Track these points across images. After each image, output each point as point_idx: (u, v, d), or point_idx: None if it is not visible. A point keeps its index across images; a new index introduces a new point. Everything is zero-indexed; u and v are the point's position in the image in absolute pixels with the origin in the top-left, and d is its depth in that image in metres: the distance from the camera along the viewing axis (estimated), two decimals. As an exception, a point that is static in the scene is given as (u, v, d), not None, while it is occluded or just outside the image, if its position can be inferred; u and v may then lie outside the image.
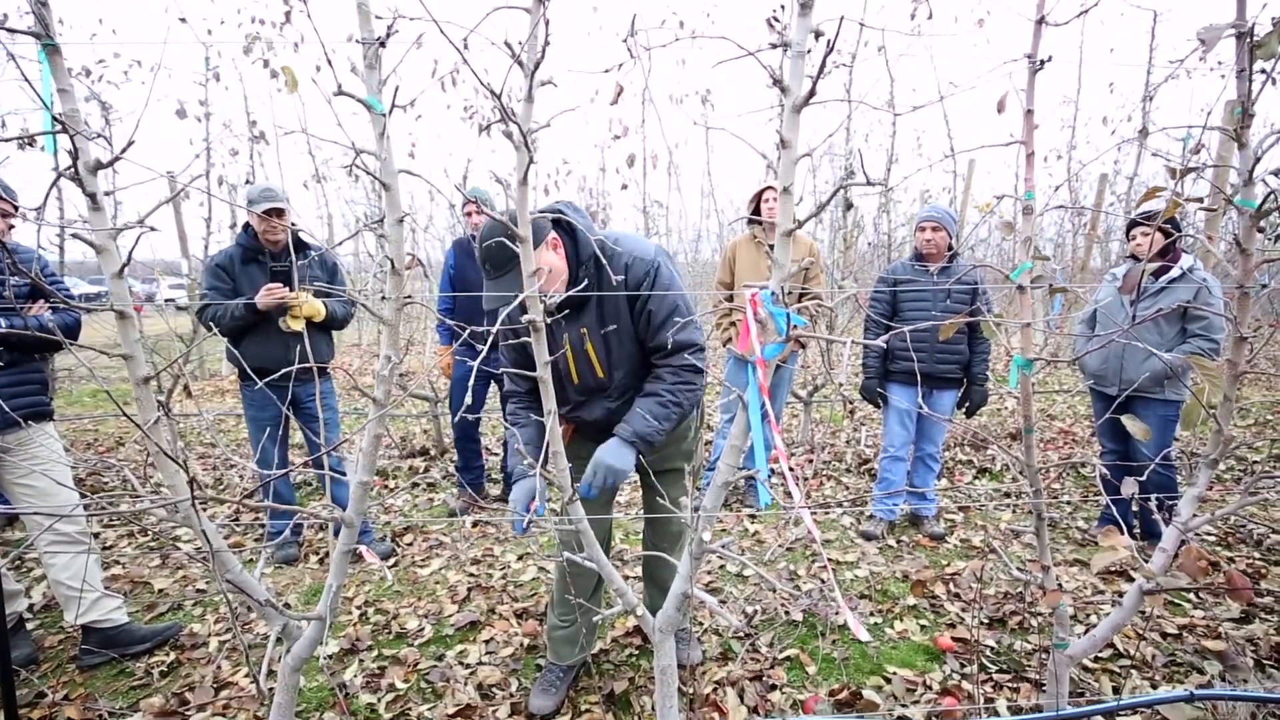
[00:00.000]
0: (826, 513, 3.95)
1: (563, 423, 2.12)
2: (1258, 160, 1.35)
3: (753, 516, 3.89)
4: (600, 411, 2.04)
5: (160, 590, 3.08)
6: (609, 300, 1.91)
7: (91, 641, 2.48)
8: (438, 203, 8.21)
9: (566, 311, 1.90)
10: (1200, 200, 1.64)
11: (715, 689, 2.31)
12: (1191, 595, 2.86)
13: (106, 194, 1.35)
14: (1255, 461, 4.73)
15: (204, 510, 1.34)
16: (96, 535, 3.58)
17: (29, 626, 2.65)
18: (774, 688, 2.33)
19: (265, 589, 1.49)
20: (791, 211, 1.30)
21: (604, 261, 1.74)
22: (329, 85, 1.34)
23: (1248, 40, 1.25)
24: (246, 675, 2.41)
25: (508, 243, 1.67)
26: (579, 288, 1.78)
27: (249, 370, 2.00)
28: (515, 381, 2.09)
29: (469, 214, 3.73)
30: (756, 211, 3.80)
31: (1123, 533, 1.45)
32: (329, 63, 1.40)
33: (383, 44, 1.36)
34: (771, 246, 1.32)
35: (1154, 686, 2.28)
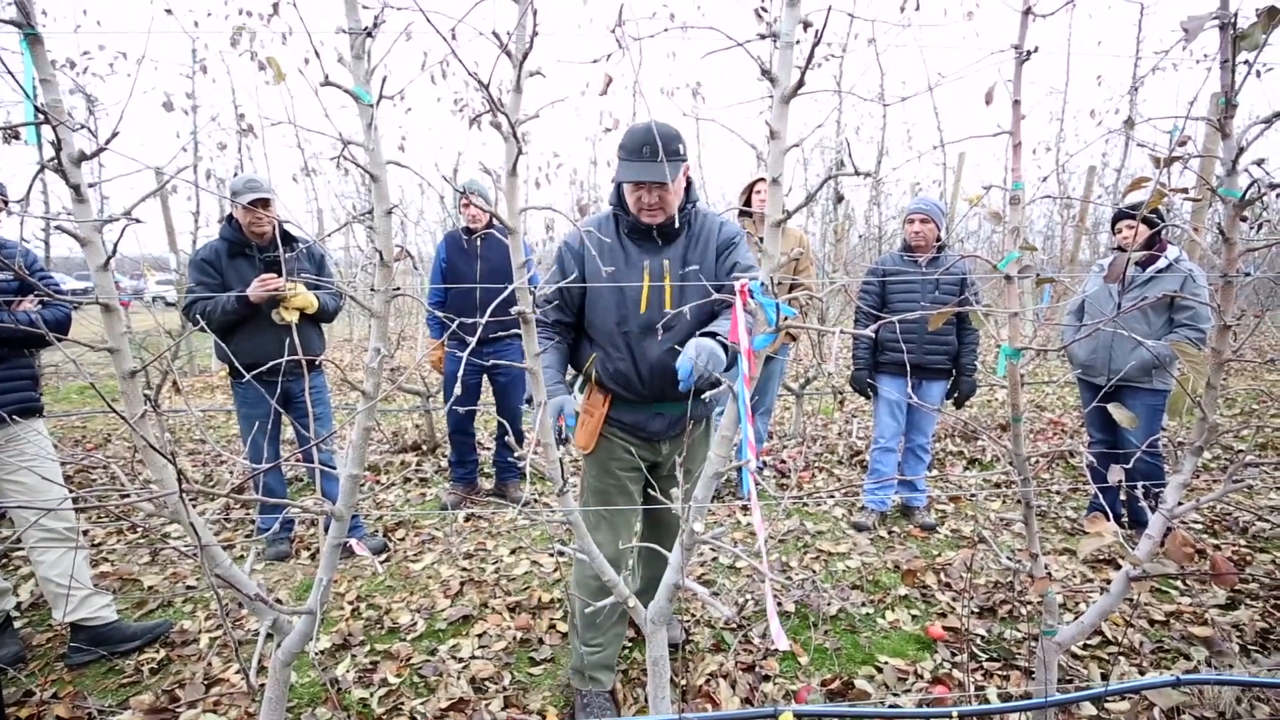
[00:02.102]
0: (819, 504, 3.97)
1: (600, 391, 2.08)
2: (1241, 151, 1.36)
3: (745, 508, 3.90)
4: (654, 354, 1.99)
5: (150, 587, 3.06)
6: (698, 242, 2.02)
7: (80, 639, 2.47)
8: (428, 196, 8.18)
9: (658, 239, 2.00)
10: (1185, 191, 1.66)
11: (708, 680, 2.32)
12: (1178, 582, 2.90)
13: (90, 186, 1.33)
14: (1241, 450, 4.78)
15: (193, 506, 1.33)
16: (85, 532, 3.55)
17: (17, 625, 2.63)
18: (766, 678, 2.34)
19: (255, 584, 1.48)
20: (781, 202, 1.30)
21: (704, 211, 1.98)
22: (317, 77, 1.33)
23: (1231, 31, 1.26)
24: (237, 671, 2.40)
25: (673, 142, 1.84)
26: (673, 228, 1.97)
27: (239, 366, 1.99)
28: (547, 311, 2.06)
29: (465, 205, 3.71)
30: (748, 204, 3.80)
31: (1109, 520, 1.46)
32: (316, 54, 1.39)
33: (370, 34, 1.34)
34: (761, 239, 1.32)
35: (1141, 672, 2.31)
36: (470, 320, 1.37)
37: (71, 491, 1.83)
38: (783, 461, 4.64)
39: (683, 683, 2.31)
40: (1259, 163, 1.39)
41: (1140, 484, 2.14)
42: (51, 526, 2.41)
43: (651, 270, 1.98)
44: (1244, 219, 1.44)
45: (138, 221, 1.34)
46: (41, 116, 1.22)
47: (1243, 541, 3.32)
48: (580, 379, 2.11)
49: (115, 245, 1.34)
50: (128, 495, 1.32)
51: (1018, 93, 1.56)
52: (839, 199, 6.68)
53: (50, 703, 2.24)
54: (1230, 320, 1.45)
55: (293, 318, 2.94)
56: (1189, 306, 3.00)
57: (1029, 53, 1.51)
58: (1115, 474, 1.57)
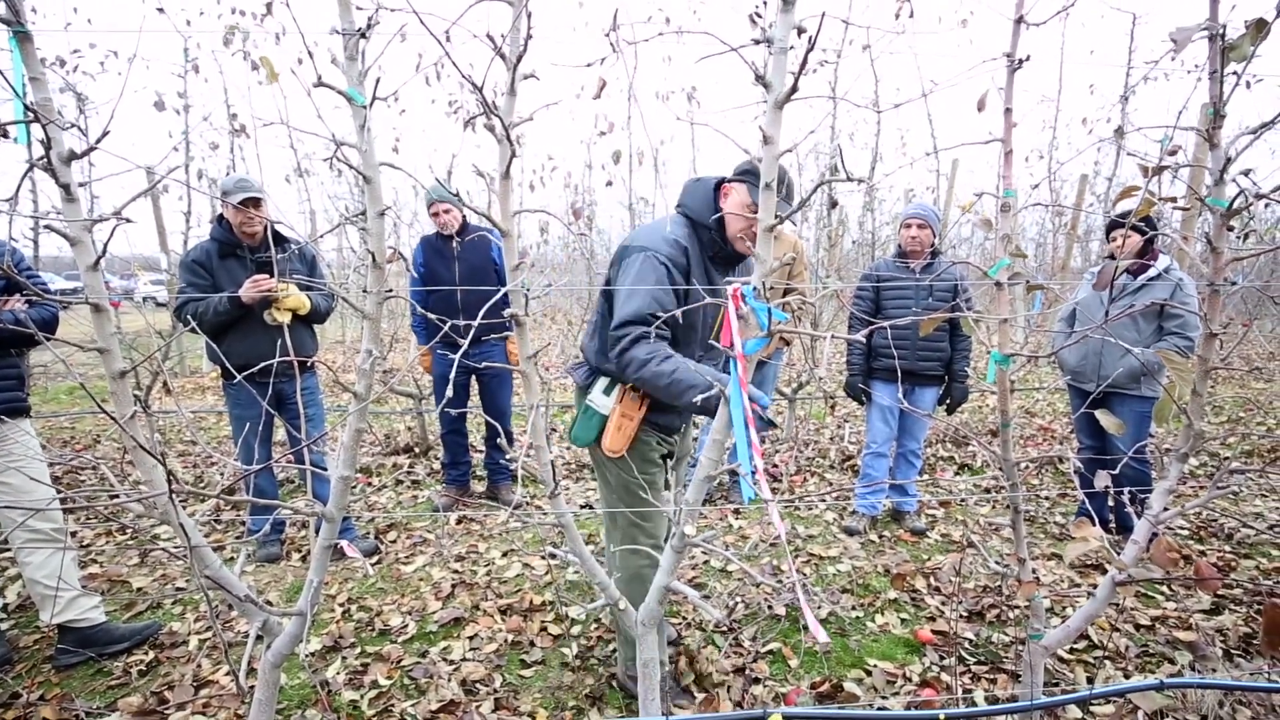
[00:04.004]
0: (810, 508, 3.98)
1: (636, 394, 2.03)
2: (1229, 161, 1.37)
3: (737, 511, 3.91)
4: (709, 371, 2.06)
5: (139, 588, 3.04)
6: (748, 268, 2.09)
7: (68, 641, 2.45)
8: (422, 198, 8.16)
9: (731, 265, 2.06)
10: (1174, 200, 1.67)
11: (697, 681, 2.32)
12: (1164, 587, 2.92)
13: (81, 185, 1.33)
14: (1227, 457, 4.83)
15: (184, 507, 1.33)
16: (74, 533, 3.52)
17: (3, 626, 2.61)
18: (756, 681, 2.35)
19: (245, 586, 1.47)
20: (773, 207, 1.31)
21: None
22: (310, 77, 1.33)
23: (1220, 42, 1.28)
24: (227, 673, 2.39)
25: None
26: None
27: (231, 368, 1.98)
28: (651, 330, 1.86)
29: (435, 214, 3.69)
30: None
31: (1095, 525, 1.47)
32: (310, 55, 1.39)
33: (364, 35, 1.35)
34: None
35: (1127, 676, 2.33)
36: (463, 323, 1.38)
37: (60, 492, 1.82)
38: (775, 465, 4.65)
39: (690, 679, 2.31)
40: (1246, 173, 1.41)
41: (1127, 489, 2.16)
42: (38, 527, 2.39)
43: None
44: (1230, 228, 1.46)
45: (128, 221, 1.33)
46: (31, 115, 1.22)
47: (1227, 547, 3.35)
48: (609, 383, 2.05)
49: (105, 245, 1.34)
50: (117, 496, 1.32)
51: (1009, 101, 1.57)
52: (833, 204, 6.71)
53: (37, 705, 2.22)
54: (1217, 329, 1.47)
55: (285, 318, 2.93)
56: (1178, 315, 3.02)
57: (1021, 61, 1.53)
58: (1102, 479, 1.58)
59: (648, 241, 1.93)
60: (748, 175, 1.92)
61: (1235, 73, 1.34)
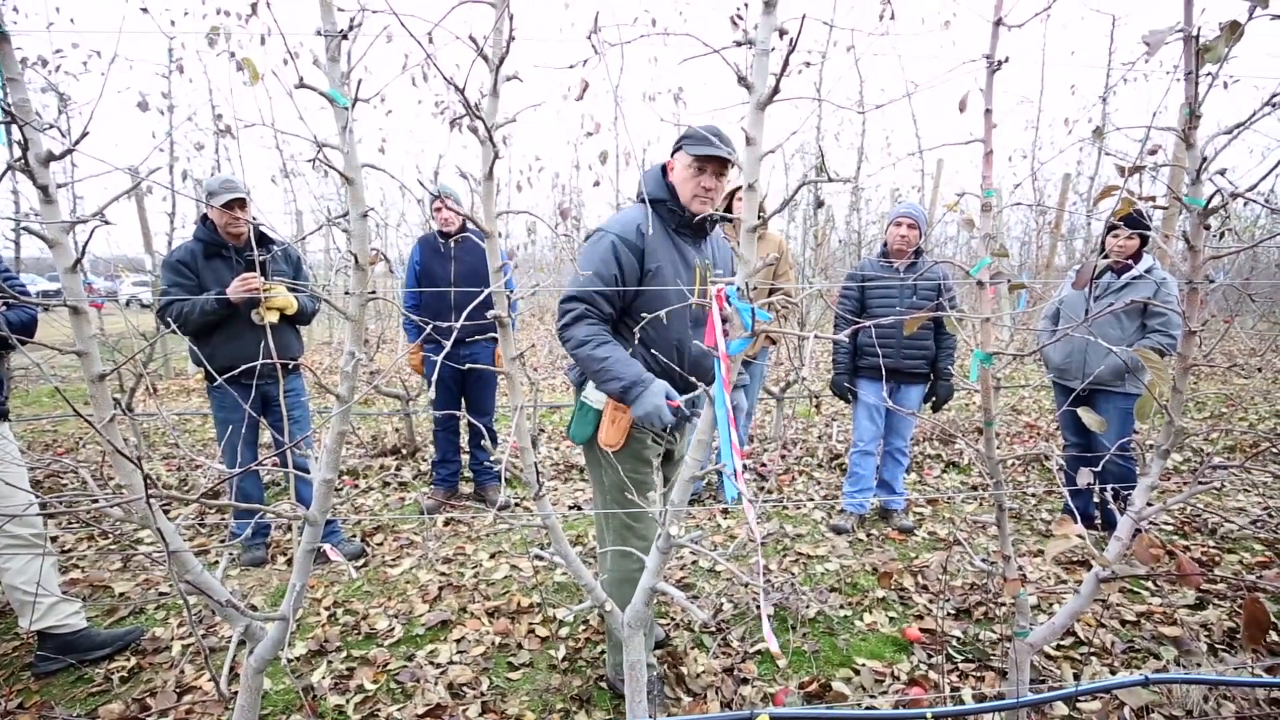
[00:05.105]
0: (798, 507, 3.99)
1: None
2: (1206, 160, 1.39)
3: (725, 511, 3.92)
4: (695, 350, 2.07)
5: (121, 594, 3.00)
6: (716, 243, 2.18)
7: (48, 648, 2.42)
8: (410, 199, 8.13)
9: (696, 235, 2.09)
10: (1153, 199, 1.69)
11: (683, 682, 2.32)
12: (1149, 583, 2.95)
13: (61, 186, 1.31)
14: (1210, 453, 4.89)
15: (166, 512, 1.31)
16: (54, 538, 3.47)
17: (-18, 633, 2.57)
18: (745, 681, 2.35)
19: (228, 590, 1.46)
20: (756, 208, 1.31)
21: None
22: (294, 79, 1.32)
23: (1195, 44, 1.29)
24: (210, 679, 2.36)
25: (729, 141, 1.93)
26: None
27: (213, 371, 1.96)
28: (594, 305, 1.96)
29: (437, 209, 3.71)
30: (729, 210, 3.82)
31: (1077, 522, 1.49)
32: (293, 56, 1.38)
33: (345, 36, 1.34)
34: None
35: (1113, 672, 2.35)
36: (446, 324, 1.37)
37: (39, 496, 1.80)
38: (763, 465, 4.66)
39: (678, 680, 2.31)
40: (1222, 172, 1.43)
41: (1111, 486, 2.18)
42: (17, 533, 2.35)
43: (701, 267, 2.06)
44: (1208, 227, 1.47)
45: (107, 223, 1.32)
46: (9, 116, 1.20)
47: (1211, 542, 3.39)
48: None
49: (84, 247, 1.32)
50: (97, 500, 1.30)
51: (989, 102, 1.59)
52: (819, 204, 6.74)
53: (16, 713, 2.19)
54: (1196, 326, 1.49)
55: (272, 318, 2.91)
56: (1162, 314, 3.06)
57: (1000, 63, 1.54)
58: (1085, 476, 1.60)
59: (604, 224, 2.02)
60: (684, 140, 1.98)
61: (1210, 74, 1.35)
